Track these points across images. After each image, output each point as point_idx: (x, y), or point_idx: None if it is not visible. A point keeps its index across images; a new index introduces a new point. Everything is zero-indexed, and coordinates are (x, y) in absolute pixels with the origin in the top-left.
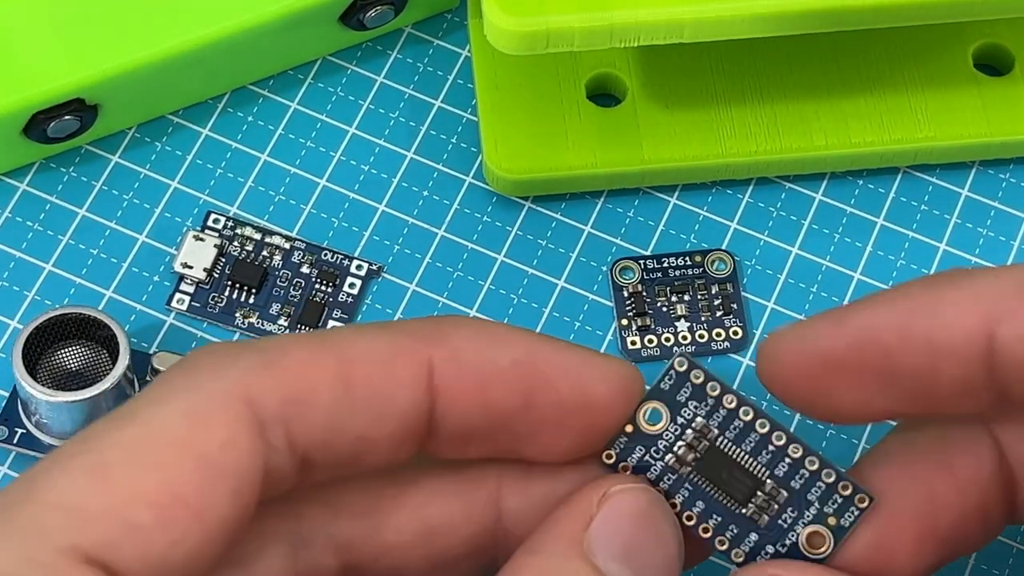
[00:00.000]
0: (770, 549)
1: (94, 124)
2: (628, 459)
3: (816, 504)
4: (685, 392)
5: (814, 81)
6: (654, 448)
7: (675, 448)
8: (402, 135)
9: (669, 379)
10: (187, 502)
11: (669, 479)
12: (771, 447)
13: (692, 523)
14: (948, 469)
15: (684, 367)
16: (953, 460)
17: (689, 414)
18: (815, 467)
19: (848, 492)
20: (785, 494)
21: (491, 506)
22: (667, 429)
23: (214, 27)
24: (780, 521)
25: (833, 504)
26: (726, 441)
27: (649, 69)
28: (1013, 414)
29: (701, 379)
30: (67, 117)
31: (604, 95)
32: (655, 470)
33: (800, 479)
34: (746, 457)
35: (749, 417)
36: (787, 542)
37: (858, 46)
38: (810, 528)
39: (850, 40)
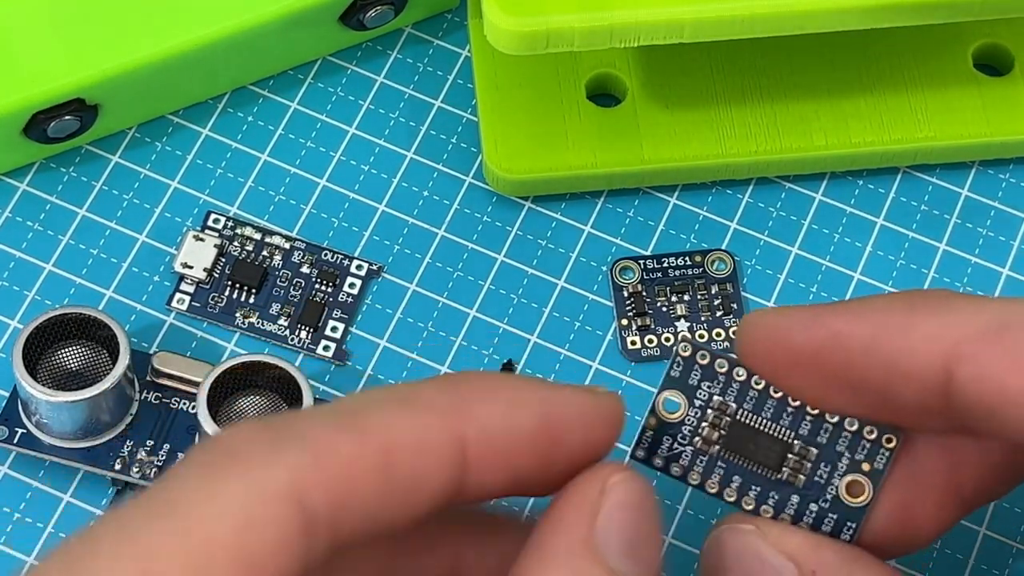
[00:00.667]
0: (813, 507)
1: (94, 124)
2: (658, 451)
3: (847, 454)
4: (696, 375)
5: (814, 81)
6: (680, 436)
7: (700, 431)
8: (402, 135)
9: (678, 366)
10: None
11: (701, 462)
12: (790, 409)
13: (733, 499)
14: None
15: (688, 352)
16: None
17: (704, 395)
18: (836, 419)
19: (873, 436)
20: (815, 451)
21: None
22: (688, 414)
23: (214, 27)
24: (816, 478)
25: (863, 450)
26: (746, 412)
27: (649, 69)
28: None
29: (708, 359)
30: (67, 117)
31: (604, 95)
32: (685, 456)
33: (825, 433)
34: (768, 424)
35: (762, 385)
36: (828, 496)
37: (858, 46)
38: (847, 478)
39: (850, 40)
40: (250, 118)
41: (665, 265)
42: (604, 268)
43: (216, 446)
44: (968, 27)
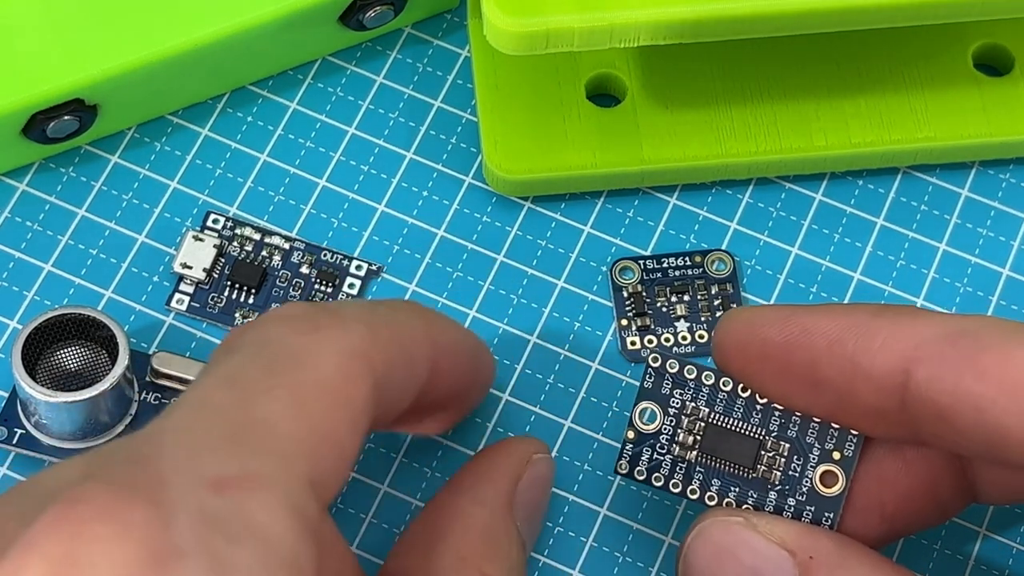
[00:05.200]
0: (791, 502)
1: (94, 124)
2: (639, 463)
3: (816, 444)
4: (667, 384)
5: (814, 81)
6: (659, 446)
7: (676, 438)
8: (402, 135)
9: (649, 377)
10: (343, 445)
11: (680, 469)
12: (758, 407)
13: (715, 503)
14: (897, 450)
15: (658, 362)
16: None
17: (677, 403)
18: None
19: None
20: (787, 445)
21: None
22: (664, 423)
23: (214, 27)
24: (791, 472)
25: (831, 439)
26: (717, 415)
27: (649, 69)
28: None
29: (676, 367)
30: (66, 117)
31: (604, 95)
32: (665, 465)
33: (794, 427)
34: (740, 423)
35: (730, 387)
36: (804, 489)
37: (858, 46)
38: (820, 469)
39: (850, 40)
40: (250, 118)
41: (665, 265)
42: (604, 268)
43: (293, 313)
44: (968, 27)
